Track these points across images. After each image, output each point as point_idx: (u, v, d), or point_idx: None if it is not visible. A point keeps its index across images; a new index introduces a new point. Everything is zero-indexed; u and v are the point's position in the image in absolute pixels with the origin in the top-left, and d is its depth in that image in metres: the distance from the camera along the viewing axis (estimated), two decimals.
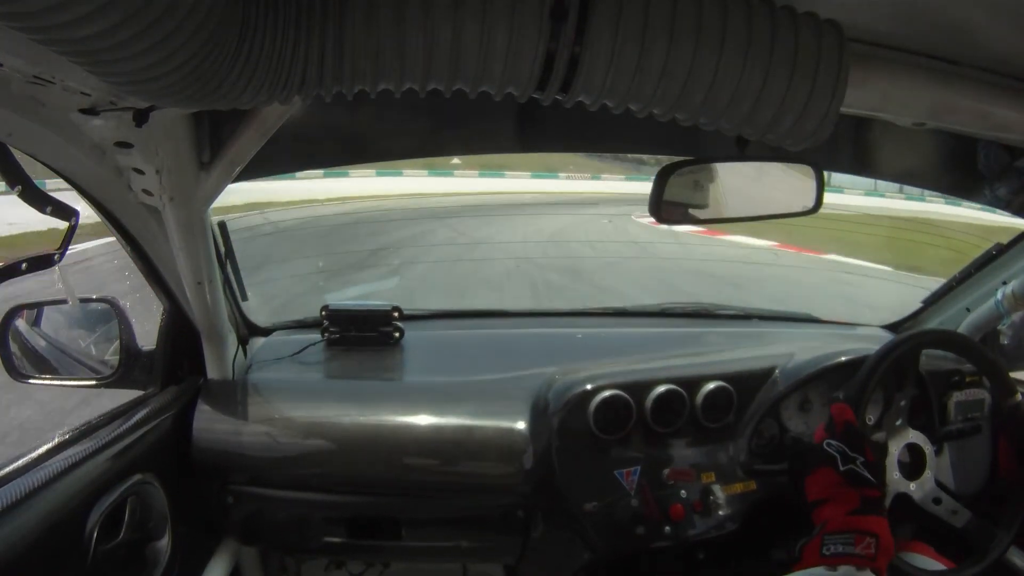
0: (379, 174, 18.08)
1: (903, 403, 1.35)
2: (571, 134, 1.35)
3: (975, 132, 0.88)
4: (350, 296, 6.80)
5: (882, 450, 1.29)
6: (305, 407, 1.39)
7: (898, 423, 1.32)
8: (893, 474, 1.29)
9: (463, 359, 1.64)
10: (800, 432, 1.42)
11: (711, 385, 1.39)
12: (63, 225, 0.90)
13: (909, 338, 1.33)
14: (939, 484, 1.31)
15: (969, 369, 1.42)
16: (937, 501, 1.30)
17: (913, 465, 1.32)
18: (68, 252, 0.94)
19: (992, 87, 0.80)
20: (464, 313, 1.98)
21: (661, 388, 1.37)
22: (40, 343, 1.38)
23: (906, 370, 1.34)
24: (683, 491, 1.35)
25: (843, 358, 1.43)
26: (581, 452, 1.34)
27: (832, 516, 1.08)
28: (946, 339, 1.39)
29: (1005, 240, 1.50)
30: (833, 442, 1.13)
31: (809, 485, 1.15)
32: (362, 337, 1.63)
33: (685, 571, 1.49)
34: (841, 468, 1.10)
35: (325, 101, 0.68)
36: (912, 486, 1.29)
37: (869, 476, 1.10)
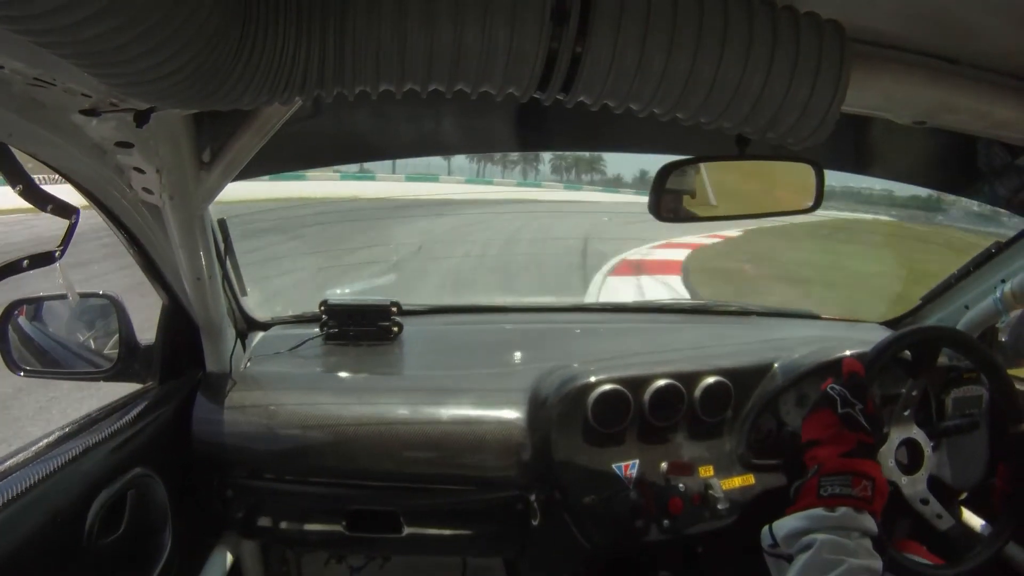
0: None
1: (914, 393, 1.35)
2: (571, 133, 1.35)
3: (975, 131, 0.89)
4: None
5: (883, 436, 1.29)
6: (304, 401, 1.40)
7: (906, 413, 1.33)
8: (888, 462, 1.29)
9: (462, 353, 1.65)
10: (797, 427, 1.42)
11: (709, 380, 1.39)
12: None
13: (934, 329, 1.31)
14: (930, 486, 1.32)
15: (966, 365, 1.43)
16: (924, 502, 1.31)
17: (910, 460, 1.33)
18: None
19: (992, 86, 0.80)
20: (463, 308, 1.98)
21: (659, 382, 1.37)
22: (40, 337, 1.39)
23: (924, 363, 1.35)
24: (681, 485, 1.35)
25: (840, 353, 1.43)
26: (580, 446, 1.35)
27: (827, 457, 1.06)
28: (964, 343, 1.37)
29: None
30: (836, 386, 1.13)
31: (805, 426, 1.14)
32: (361, 332, 1.64)
33: (683, 565, 1.50)
34: (840, 411, 1.09)
35: (326, 102, 0.68)
36: (904, 480, 1.30)
37: (866, 423, 1.09)
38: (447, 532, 1.42)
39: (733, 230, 13.50)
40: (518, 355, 1.60)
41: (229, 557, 1.44)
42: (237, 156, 0.95)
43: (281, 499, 1.40)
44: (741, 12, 0.64)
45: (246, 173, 1.02)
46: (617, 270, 9.24)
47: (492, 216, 17.46)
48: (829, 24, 0.68)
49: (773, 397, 1.42)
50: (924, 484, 1.31)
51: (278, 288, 6.59)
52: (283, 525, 1.43)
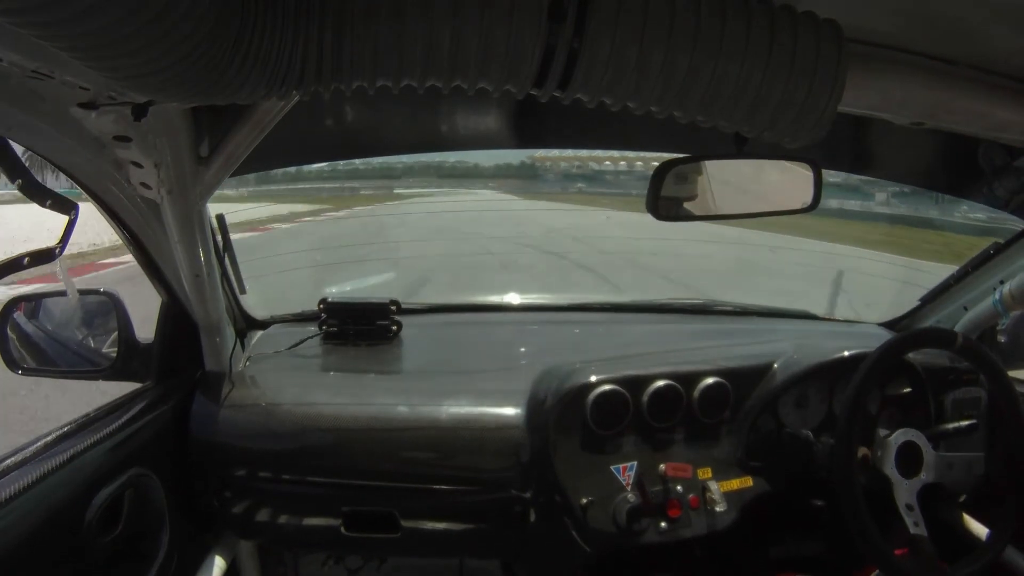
0: None
1: (894, 405, 1.35)
2: (568, 131, 1.35)
3: (974, 132, 0.88)
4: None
5: (887, 483, 1.26)
6: (303, 400, 1.40)
7: (905, 415, 1.32)
8: (903, 485, 1.26)
9: (461, 353, 1.65)
10: (797, 428, 1.42)
11: (708, 380, 1.39)
12: None
13: (933, 332, 1.31)
14: (922, 494, 1.28)
15: (965, 367, 1.42)
16: (951, 465, 1.28)
17: (914, 464, 1.31)
18: None
19: (990, 87, 0.79)
20: (462, 307, 1.98)
21: (658, 383, 1.37)
22: (38, 335, 1.38)
23: (891, 374, 1.35)
24: (680, 487, 1.35)
25: (840, 354, 1.43)
26: (578, 447, 1.35)
27: None
28: (963, 345, 1.34)
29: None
30: None
31: None
32: (360, 330, 1.63)
33: (682, 567, 1.50)
34: None
35: (323, 97, 0.68)
36: (923, 475, 1.27)
37: None
38: (444, 533, 1.41)
39: None
40: (517, 354, 1.60)
41: (226, 558, 1.43)
42: (235, 151, 0.95)
43: (279, 499, 1.39)
44: (739, 11, 0.64)
45: (244, 168, 1.02)
46: None
47: None
48: (827, 24, 0.67)
49: (772, 398, 1.42)
50: (915, 491, 1.27)
51: None
52: (281, 525, 1.42)
